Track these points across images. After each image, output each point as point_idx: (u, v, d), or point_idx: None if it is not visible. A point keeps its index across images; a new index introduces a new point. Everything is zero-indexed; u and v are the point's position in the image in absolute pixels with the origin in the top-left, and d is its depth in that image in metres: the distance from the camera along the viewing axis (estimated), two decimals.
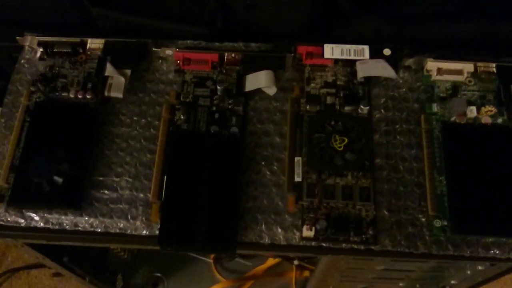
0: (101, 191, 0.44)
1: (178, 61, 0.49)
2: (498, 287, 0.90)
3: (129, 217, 0.43)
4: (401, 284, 0.65)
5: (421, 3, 0.52)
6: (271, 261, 0.83)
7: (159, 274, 0.87)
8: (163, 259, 0.87)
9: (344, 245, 0.42)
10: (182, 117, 0.46)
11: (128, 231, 0.43)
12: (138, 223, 0.43)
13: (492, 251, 0.42)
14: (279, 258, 0.83)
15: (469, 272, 0.54)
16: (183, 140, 0.45)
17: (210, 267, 0.86)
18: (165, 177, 0.43)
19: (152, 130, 0.47)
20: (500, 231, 0.42)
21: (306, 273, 0.83)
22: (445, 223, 0.42)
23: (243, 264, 0.87)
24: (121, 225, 0.43)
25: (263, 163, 0.45)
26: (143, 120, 0.47)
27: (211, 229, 0.42)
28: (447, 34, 0.53)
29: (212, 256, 0.86)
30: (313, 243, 0.42)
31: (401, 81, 0.49)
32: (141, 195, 0.44)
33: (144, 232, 0.43)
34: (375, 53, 0.48)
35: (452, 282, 0.59)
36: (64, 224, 0.43)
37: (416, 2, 0.52)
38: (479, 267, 0.52)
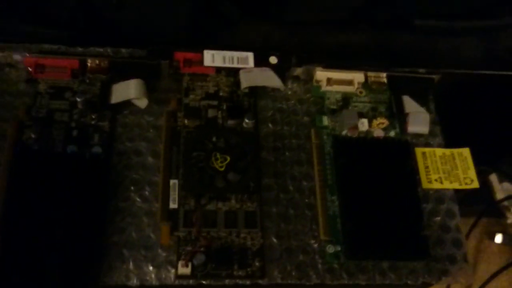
0: None
1: (30, 68, 0.41)
2: None
3: None
4: None
5: (311, 11, 0.49)
6: None
7: None
8: None
9: (227, 281, 0.36)
10: (32, 136, 0.38)
11: None
12: None
13: (388, 278, 0.38)
14: None
15: None
16: (31, 162, 0.37)
17: None
18: (4, 205, 0.35)
19: None
20: (395, 254, 0.38)
21: None
22: (338, 248, 0.38)
23: None
24: None
25: (132, 188, 0.38)
26: None
27: (65, 272, 0.34)
28: (338, 43, 0.51)
29: None
30: (191, 281, 0.36)
31: (289, 92, 0.44)
32: None
33: None
34: (261, 61, 0.43)
35: None
36: None
37: (306, 9, 0.49)
38: None
